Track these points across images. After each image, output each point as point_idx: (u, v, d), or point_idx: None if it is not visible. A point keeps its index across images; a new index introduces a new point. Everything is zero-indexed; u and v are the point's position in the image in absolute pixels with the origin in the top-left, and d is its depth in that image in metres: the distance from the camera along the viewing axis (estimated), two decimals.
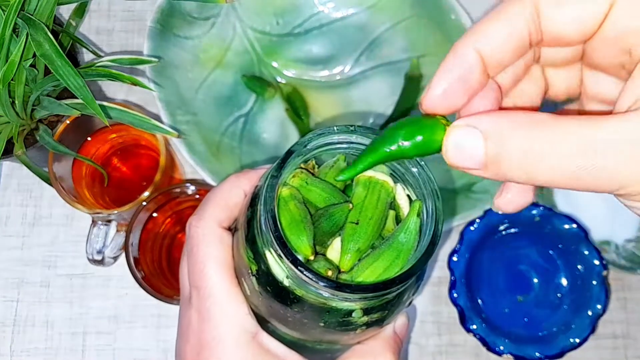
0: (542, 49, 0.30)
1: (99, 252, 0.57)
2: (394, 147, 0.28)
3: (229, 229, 0.38)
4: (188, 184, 0.56)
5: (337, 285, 0.29)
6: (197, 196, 0.57)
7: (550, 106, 0.32)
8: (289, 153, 0.32)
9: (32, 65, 0.52)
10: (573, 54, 0.30)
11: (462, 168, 0.26)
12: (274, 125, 0.66)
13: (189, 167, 0.64)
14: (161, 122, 0.55)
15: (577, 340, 0.57)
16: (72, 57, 0.57)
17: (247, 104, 0.67)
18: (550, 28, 0.27)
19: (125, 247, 0.55)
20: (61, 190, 0.55)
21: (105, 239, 0.58)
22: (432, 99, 0.28)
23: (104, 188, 0.60)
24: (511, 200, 0.30)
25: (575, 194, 0.64)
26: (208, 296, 0.36)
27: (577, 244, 0.60)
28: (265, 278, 0.33)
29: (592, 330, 0.57)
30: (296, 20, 0.68)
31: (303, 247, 0.31)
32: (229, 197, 0.39)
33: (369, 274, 0.31)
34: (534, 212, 0.60)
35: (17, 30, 0.51)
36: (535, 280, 0.62)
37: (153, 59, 0.56)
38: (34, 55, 0.51)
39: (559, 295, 0.61)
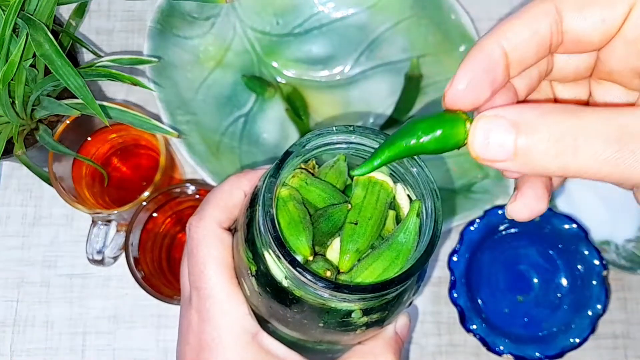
0: (555, 61, 0.30)
1: (99, 252, 0.57)
2: (412, 142, 0.27)
3: (229, 229, 0.38)
4: (188, 184, 0.56)
5: (335, 286, 0.29)
6: (197, 196, 0.57)
7: None
8: (287, 154, 0.32)
9: (32, 65, 0.52)
10: (585, 66, 0.30)
11: (488, 160, 0.25)
12: (274, 125, 0.66)
13: (189, 167, 0.64)
14: (161, 122, 0.55)
15: (577, 340, 0.57)
16: (72, 57, 0.58)
17: (247, 104, 0.67)
18: (571, 30, 0.27)
19: (125, 247, 0.55)
20: (61, 190, 0.55)
21: (105, 239, 0.58)
22: (456, 93, 0.27)
23: (104, 188, 0.60)
24: (527, 205, 0.29)
25: (575, 194, 0.64)
26: (208, 297, 0.36)
27: (577, 244, 0.59)
28: (265, 279, 0.33)
29: (592, 330, 0.57)
30: (296, 20, 0.68)
31: (302, 248, 0.31)
32: (229, 198, 0.39)
33: (368, 275, 0.31)
34: None
35: (17, 30, 0.51)
36: (535, 280, 0.62)
37: (153, 59, 0.56)
38: (34, 55, 0.51)
39: (559, 295, 0.61)
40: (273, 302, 0.33)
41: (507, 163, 0.25)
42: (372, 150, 0.29)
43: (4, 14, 0.47)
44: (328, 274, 0.31)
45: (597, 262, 0.58)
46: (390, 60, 0.68)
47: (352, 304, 0.31)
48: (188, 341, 0.37)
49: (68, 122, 0.55)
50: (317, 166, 0.36)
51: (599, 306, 0.58)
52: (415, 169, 0.32)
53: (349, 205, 0.33)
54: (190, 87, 0.64)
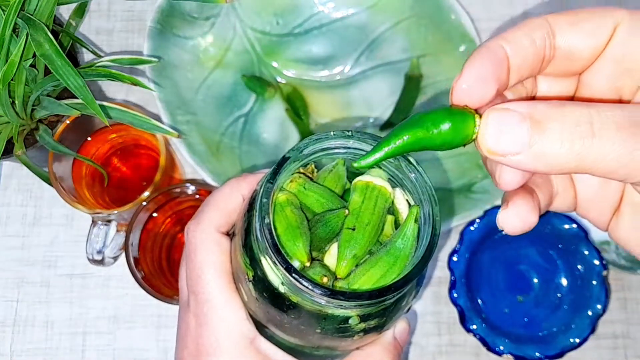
0: (538, 87, 0.31)
1: (99, 252, 0.57)
2: (420, 134, 0.25)
3: (228, 234, 0.38)
4: (188, 184, 0.56)
5: (331, 292, 0.29)
6: (197, 196, 0.57)
7: None
8: (285, 159, 0.31)
9: (32, 65, 0.52)
10: (567, 91, 0.30)
11: (501, 153, 0.24)
12: (274, 125, 0.66)
13: (189, 167, 0.64)
14: (161, 122, 0.55)
15: (577, 340, 0.57)
16: (72, 57, 0.57)
17: (247, 104, 0.66)
18: (563, 45, 0.28)
19: (125, 247, 0.55)
20: (61, 190, 0.55)
21: (105, 239, 0.58)
22: (464, 87, 0.27)
23: (104, 188, 0.60)
24: (518, 214, 0.28)
25: None
26: (205, 301, 0.36)
27: (577, 244, 0.59)
28: (262, 284, 0.33)
29: (592, 330, 0.57)
30: (296, 20, 0.67)
31: (299, 253, 0.31)
32: (228, 202, 0.39)
33: (366, 281, 0.31)
34: None
35: (17, 30, 0.51)
36: (535, 280, 0.62)
37: (153, 59, 0.56)
38: (34, 55, 0.51)
39: (559, 295, 0.61)
40: (270, 307, 0.33)
41: (519, 156, 0.24)
42: None
43: (4, 14, 0.47)
44: (325, 280, 0.31)
45: (597, 262, 0.58)
46: (390, 60, 0.68)
47: (349, 311, 0.31)
48: (186, 345, 0.37)
49: (68, 122, 0.55)
50: (316, 170, 0.36)
51: (599, 306, 0.58)
52: (414, 175, 0.32)
53: (347, 211, 0.33)
54: (190, 87, 0.64)
